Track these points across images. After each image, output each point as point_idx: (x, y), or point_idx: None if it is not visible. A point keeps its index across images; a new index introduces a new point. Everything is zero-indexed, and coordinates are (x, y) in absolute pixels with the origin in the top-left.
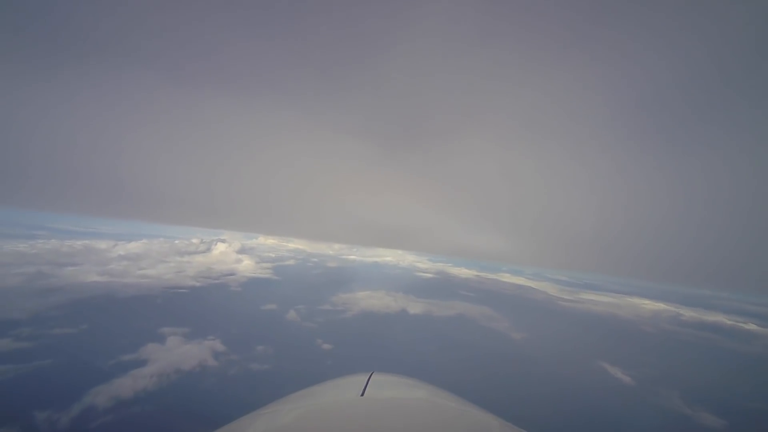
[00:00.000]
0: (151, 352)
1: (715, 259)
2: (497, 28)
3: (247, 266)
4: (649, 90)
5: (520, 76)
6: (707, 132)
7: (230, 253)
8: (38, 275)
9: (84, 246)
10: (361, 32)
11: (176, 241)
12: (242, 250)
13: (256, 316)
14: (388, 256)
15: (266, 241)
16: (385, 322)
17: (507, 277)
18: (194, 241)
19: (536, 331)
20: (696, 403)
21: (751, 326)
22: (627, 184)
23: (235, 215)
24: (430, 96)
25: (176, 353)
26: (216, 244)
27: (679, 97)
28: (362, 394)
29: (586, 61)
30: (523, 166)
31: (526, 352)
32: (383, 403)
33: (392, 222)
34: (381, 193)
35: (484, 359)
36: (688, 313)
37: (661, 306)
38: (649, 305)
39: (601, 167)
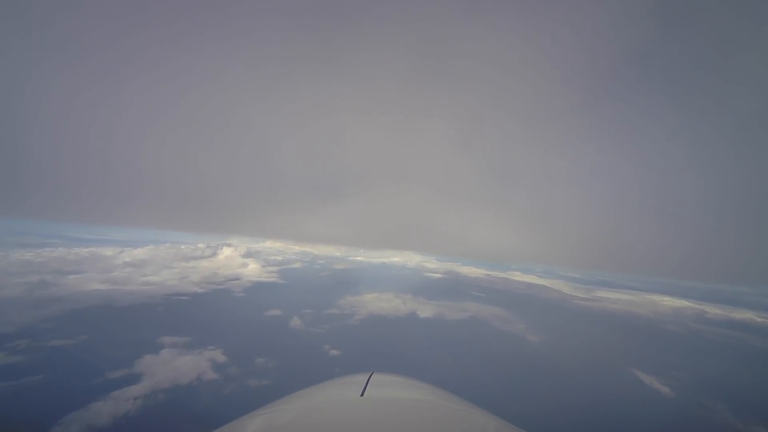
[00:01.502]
0: (147, 366)
1: (729, 252)
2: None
3: (252, 270)
4: (664, 82)
5: (525, 71)
6: (720, 122)
7: (236, 257)
8: (40, 284)
9: (90, 253)
10: (368, 31)
11: (182, 247)
12: (248, 254)
13: (260, 322)
14: (395, 257)
15: (273, 245)
16: (394, 325)
17: (518, 276)
18: (200, 245)
19: (554, 333)
20: (747, 415)
21: None
22: (637, 178)
23: (241, 220)
24: (432, 96)
25: (173, 366)
26: (222, 249)
27: (695, 88)
28: (362, 394)
29: (596, 55)
30: (532, 161)
31: (546, 356)
32: (383, 404)
33: (399, 222)
34: (386, 194)
35: (501, 365)
36: (713, 311)
37: (683, 303)
38: (669, 302)
39: (612, 162)
